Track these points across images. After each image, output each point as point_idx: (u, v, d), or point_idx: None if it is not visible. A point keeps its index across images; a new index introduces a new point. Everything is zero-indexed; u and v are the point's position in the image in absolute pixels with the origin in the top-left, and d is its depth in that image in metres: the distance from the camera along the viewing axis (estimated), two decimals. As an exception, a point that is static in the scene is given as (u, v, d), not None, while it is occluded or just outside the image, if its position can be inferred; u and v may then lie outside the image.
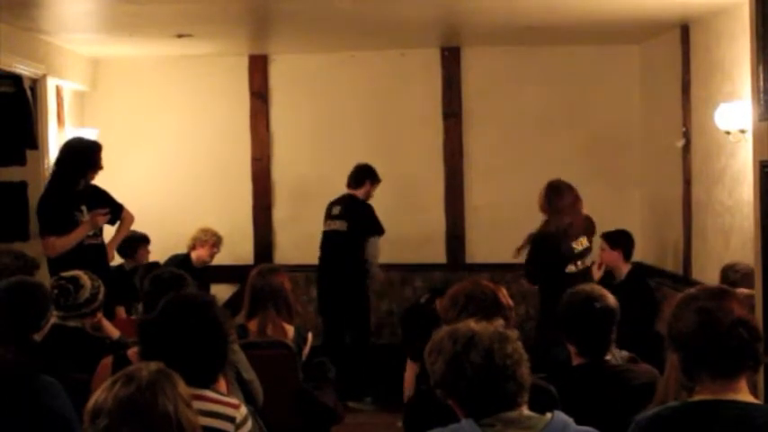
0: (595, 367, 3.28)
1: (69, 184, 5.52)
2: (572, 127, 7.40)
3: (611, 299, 3.34)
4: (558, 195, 5.65)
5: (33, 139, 6.36)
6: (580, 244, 5.66)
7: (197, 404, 2.28)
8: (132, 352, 3.28)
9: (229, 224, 7.27)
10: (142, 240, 6.72)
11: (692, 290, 2.39)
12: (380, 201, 7.53)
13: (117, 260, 6.53)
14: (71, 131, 6.86)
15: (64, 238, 5.39)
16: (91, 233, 5.53)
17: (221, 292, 6.79)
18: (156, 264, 6.58)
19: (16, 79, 6.22)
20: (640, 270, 6.35)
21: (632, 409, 2.82)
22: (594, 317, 3.28)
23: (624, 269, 6.09)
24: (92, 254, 5.47)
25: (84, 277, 4.01)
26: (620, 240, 6.09)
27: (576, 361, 3.34)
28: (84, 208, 5.53)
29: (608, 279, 6.04)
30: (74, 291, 3.94)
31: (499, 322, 2.54)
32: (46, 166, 6.29)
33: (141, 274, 6.47)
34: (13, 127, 6.34)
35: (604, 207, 7.17)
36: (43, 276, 5.04)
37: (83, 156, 5.56)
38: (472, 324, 2.39)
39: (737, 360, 2.26)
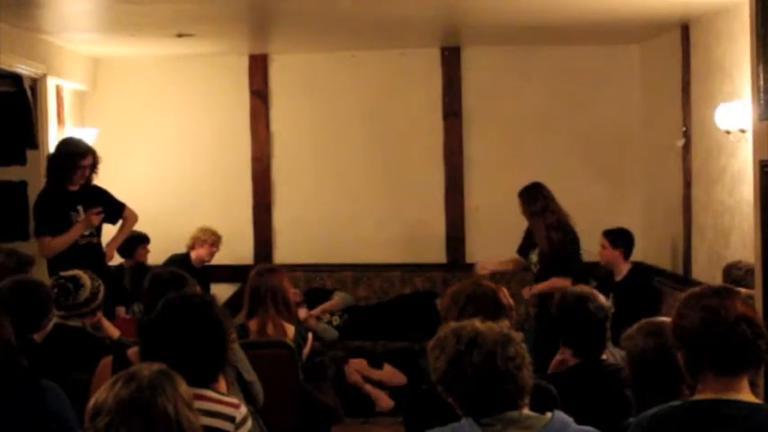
0: (593, 367, 3.30)
1: (61, 185, 5.52)
2: (572, 127, 7.40)
3: (602, 298, 3.40)
4: (551, 195, 5.91)
5: (33, 139, 6.36)
6: None
7: (197, 403, 2.29)
8: (132, 352, 3.28)
9: (229, 224, 7.26)
10: (141, 240, 6.72)
11: (697, 288, 2.40)
12: (380, 201, 7.55)
13: (117, 260, 6.54)
14: (71, 131, 6.85)
15: (59, 237, 5.39)
16: (87, 233, 5.52)
17: (221, 292, 6.78)
18: (142, 264, 6.58)
19: (16, 79, 6.22)
20: (641, 269, 6.35)
21: (631, 409, 2.83)
22: (588, 317, 3.31)
23: (624, 268, 6.08)
24: (89, 253, 5.46)
25: (85, 276, 4.01)
26: (622, 240, 6.08)
27: (572, 362, 3.35)
28: (80, 208, 5.52)
29: (608, 278, 6.04)
30: (74, 290, 3.94)
31: (505, 323, 2.54)
32: (45, 167, 6.29)
33: (130, 275, 6.50)
34: (13, 127, 6.34)
35: (604, 207, 7.20)
36: (40, 275, 5.04)
37: (60, 161, 5.54)
38: (477, 323, 2.38)
39: (740, 356, 2.27)
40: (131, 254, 6.66)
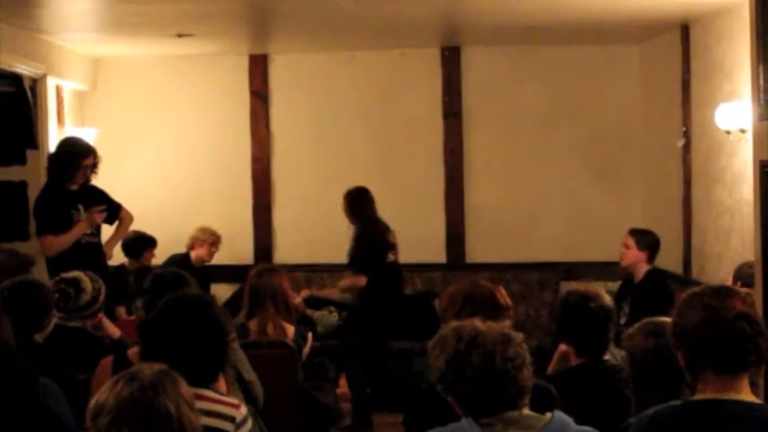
0: (594, 367, 3.30)
1: (62, 184, 5.52)
2: (572, 127, 7.40)
3: (606, 298, 3.39)
4: (370, 201, 6.23)
5: (33, 139, 6.36)
6: (393, 237, 6.34)
7: (197, 403, 2.29)
8: (132, 352, 3.28)
9: (229, 224, 7.27)
10: (149, 243, 6.68)
11: (697, 288, 2.40)
12: (381, 201, 7.54)
13: (117, 259, 6.53)
14: (71, 131, 6.85)
15: (61, 236, 5.38)
16: (88, 231, 5.53)
17: (221, 292, 6.79)
18: (147, 267, 6.57)
19: (16, 79, 6.21)
20: (658, 272, 6.13)
21: (631, 409, 2.83)
22: (591, 317, 3.31)
23: (643, 270, 5.90)
24: (90, 252, 5.46)
25: (85, 279, 4.00)
26: (649, 243, 5.89)
27: (575, 361, 3.35)
28: (80, 207, 5.52)
29: (629, 280, 5.87)
30: (74, 294, 3.94)
31: (505, 323, 2.54)
32: (46, 166, 6.29)
33: (135, 277, 6.46)
34: (13, 127, 6.34)
35: (604, 207, 7.20)
36: (41, 275, 5.03)
37: (62, 161, 5.54)
38: (478, 323, 2.38)
39: (741, 355, 2.27)
40: (137, 255, 6.63)
